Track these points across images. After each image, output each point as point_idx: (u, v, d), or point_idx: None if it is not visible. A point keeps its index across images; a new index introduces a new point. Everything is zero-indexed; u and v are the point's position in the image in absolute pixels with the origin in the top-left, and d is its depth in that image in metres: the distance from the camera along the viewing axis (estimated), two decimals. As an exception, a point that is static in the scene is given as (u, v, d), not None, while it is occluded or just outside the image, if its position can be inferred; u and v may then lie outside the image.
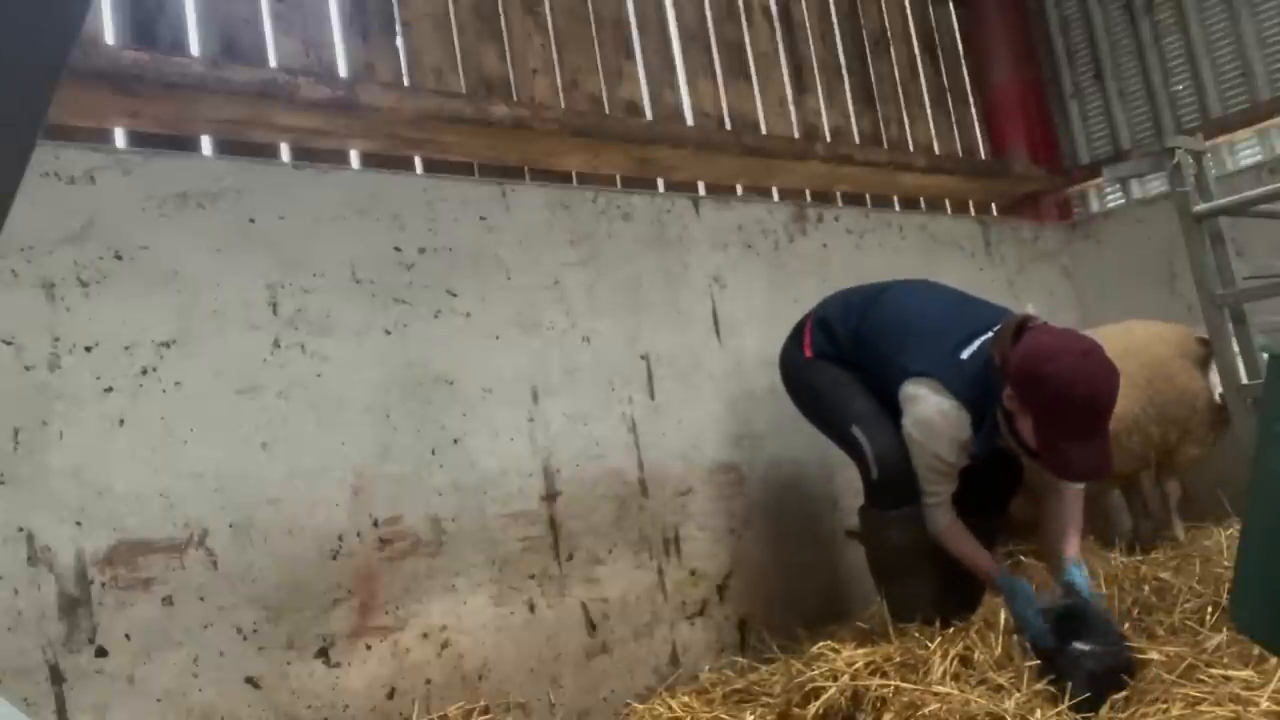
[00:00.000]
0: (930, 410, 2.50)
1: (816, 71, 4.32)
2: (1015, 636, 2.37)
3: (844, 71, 4.45)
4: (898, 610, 2.67)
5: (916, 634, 2.47)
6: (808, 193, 4.21)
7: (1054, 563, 2.67)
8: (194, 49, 2.61)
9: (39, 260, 2.09)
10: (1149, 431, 3.48)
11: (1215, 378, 3.27)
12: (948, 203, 4.83)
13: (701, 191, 3.76)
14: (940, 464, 2.55)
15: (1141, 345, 3.54)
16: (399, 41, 3.04)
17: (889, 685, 2.19)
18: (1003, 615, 2.45)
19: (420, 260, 2.66)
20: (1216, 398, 3.42)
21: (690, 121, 3.74)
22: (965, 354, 2.51)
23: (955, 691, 2.11)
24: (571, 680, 2.71)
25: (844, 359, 2.79)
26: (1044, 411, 2.30)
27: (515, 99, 3.24)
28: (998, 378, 2.41)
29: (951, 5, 5.08)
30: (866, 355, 2.72)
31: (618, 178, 3.54)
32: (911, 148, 4.62)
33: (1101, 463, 2.35)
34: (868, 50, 4.57)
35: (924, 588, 2.66)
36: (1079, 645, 2.19)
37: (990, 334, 2.51)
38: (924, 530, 2.66)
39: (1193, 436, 3.61)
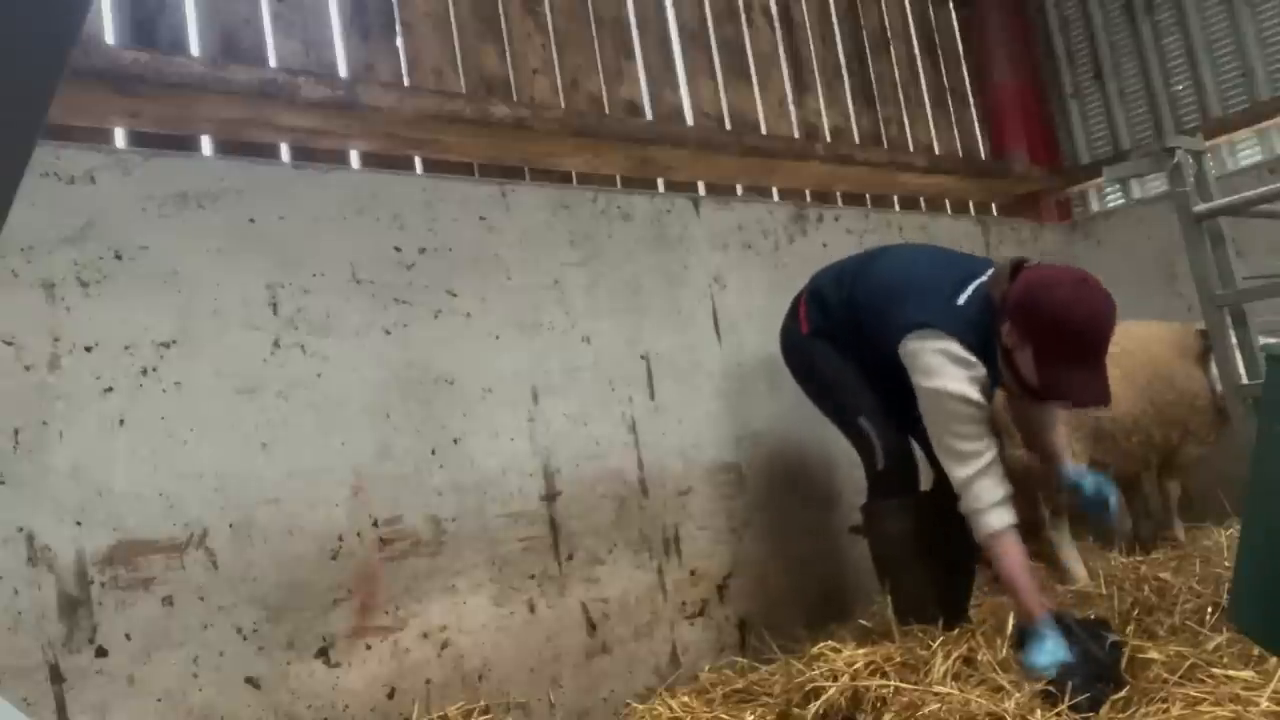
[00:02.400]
0: (939, 357, 2.46)
1: (816, 71, 4.32)
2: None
3: (844, 71, 4.45)
4: (902, 603, 2.66)
5: (920, 634, 2.47)
6: (808, 193, 4.21)
7: (1052, 467, 2.88)
8: (194, 49, 2.61)
9: (39, 260, 2.09)
10: (1151, 433, 3.48)
11: (1215, 372, 3.27)
12: (948, 203, 4.83)
13: (701, 191, 3.76)
14: (969, 407, 2.44)
15: (1141, 346, 3.54)
16: (399, 41, 3.04)
17: (889, 685, 2.19)
18: (1010, 619, 2.43)
19: (420, 260, 2.66)
20: (1217, 389, 3.42)
21: (690, 121, 3.74)
22: (961, 299, 2.50)
23: (955, 692, 2.11)
24: (571, 680, 2.71)
25: (839, 330, 2.78)
26: (1043, 338, 2.33)
27: (515, 99, 3.24)
28: (996, 317, 2.43)
29: (951, 5, 5.08)
30: (862, 318, 2.70)
31: (618, 178, 3.54)
32: (911, 148, 4.62)
33: (1102, 390, 2.35)
34: (868, 50, 4.57)
35: (927, 577, 2.67)
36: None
37: (984, 278, 2.52)
38: (924, 518, 2.65)
39: (1194, 436, 3.61)
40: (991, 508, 2.42)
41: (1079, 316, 2.31)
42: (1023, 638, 2.34)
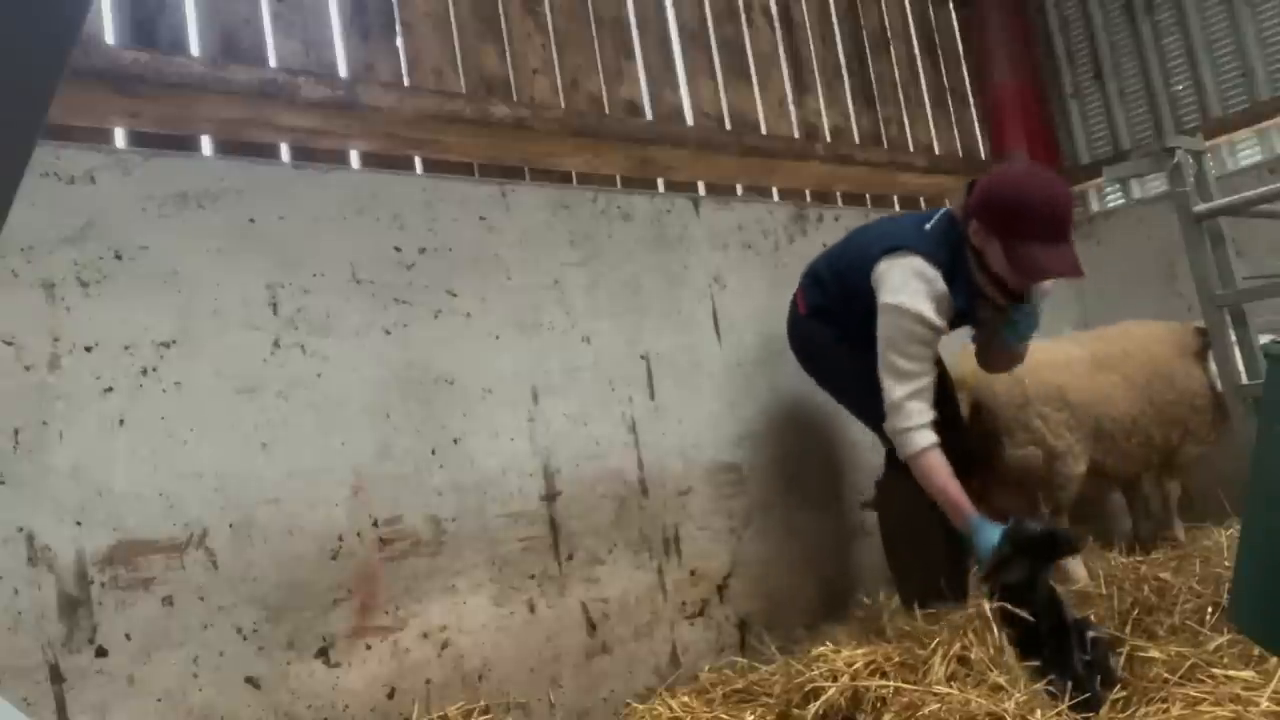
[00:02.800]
0: (904, 271, 2.60)
1: (816, 71, 4.31)
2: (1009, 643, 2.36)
3: (844, 71, 4.44)
4: (912, 577, 2.69)
5: (908, 627, 2.48)
6: (808, 193, 4.21)
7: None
8: (194, 49, 2.61)
9: (39, 260, 2.09)
10: (1150, 434, 3.48)
11: (1214, 370, 3.28)
12: (948, 202, 4.83)
13: (701, 191, 3.76)
14: (923, 328, 2.57)
15: (1140, 346, 3.55)
16: (399, 41, 3.03)
17: (889, 685, 2.19)
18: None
19: (420, 260, 2.66)
20: (1217, 389, 3.43)
21: (690, 121, 3.74)
22: (928, 226, 2.70)
23: (955, 691, 2.11)
24: (571, 680, 2.71)
25: (835, 305, 2.89)
26: (1008, 223, 2.48)
27: (515, 99, 3.23)
28: (962, 229, 2.61)
29: (951, 5, 5.08)
30: (849, 280, 2.81)
31: (618, 178, 3.54)
32: (911, 148, 4.62)
33: (1072, 261, 2.48)
34: (868, 50, 4.57)
35: (936, 551, 2.69)
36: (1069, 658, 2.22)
37: (946, 207, 2.75)
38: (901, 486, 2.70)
39: (1194, 436, 3.61)
40: (920, 427, 2.57)
41: (1034, 194, 2.47)
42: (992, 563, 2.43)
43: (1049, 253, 2.46)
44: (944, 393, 2.95)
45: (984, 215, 2.53)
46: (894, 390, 2.58)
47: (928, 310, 2.55)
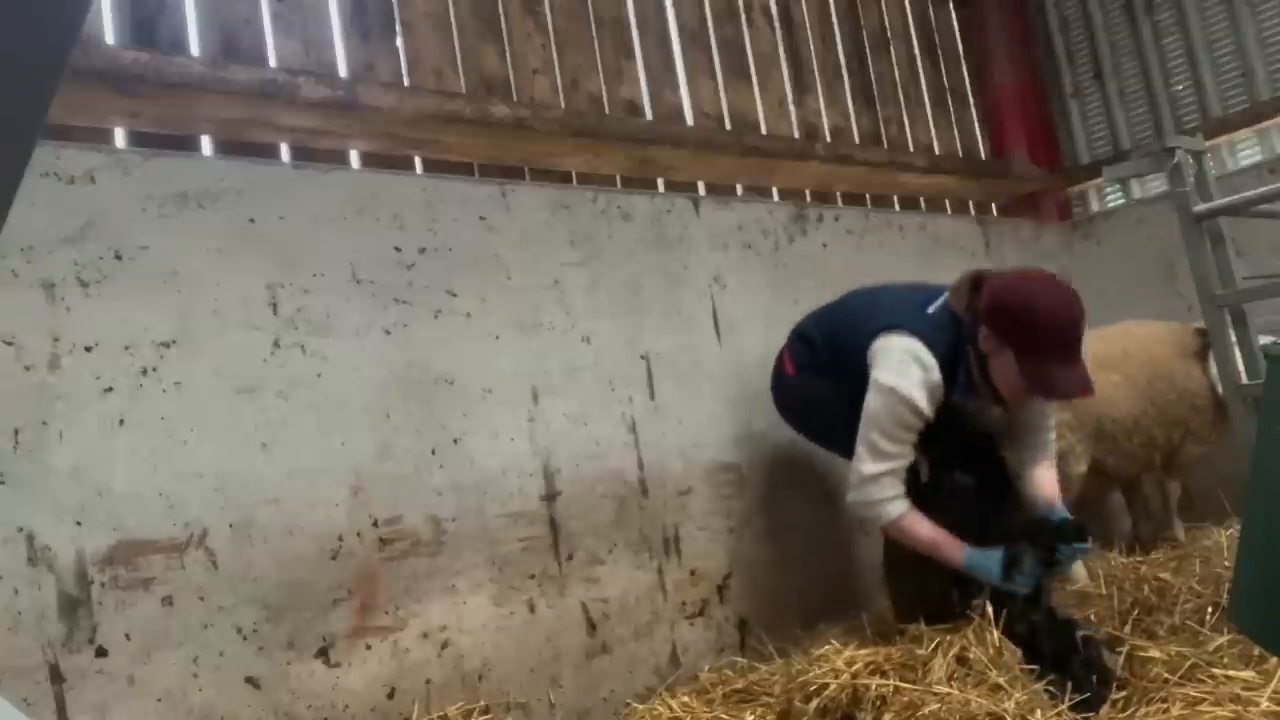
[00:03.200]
0: (903, 354, 2.55)
1: (816, 71, 4.32)
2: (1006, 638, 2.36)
3: (844, 71, 4.45)
4: (903, 605, 2.67)
5: (914, 632, 2.47)
6: (808, 193, 4.21)
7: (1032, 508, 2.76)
8: (194, 49, 2.61)
9: (39, 260, 2.09)
10: (1152, 434, 3.48)
11: (1214, 369, 3.27)
12: (948, 203, 4.83)
13: (701, 191, 3.76)
14: (912, 415, 2.53)
15: (1140, 346, 3.54)
16: (399, 41, 3.04)
17: (889, 685, 2.19)
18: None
19: (420, 260, 2.66)
20: (1217, 389, 3.42)
21: (690, 121, 3.74)
22: (930, 310, 2.63)
23: (955, 691, 2.11)
24: (571, 680, 2.71)
25: (824, 367, 2.84)
26: (1023, 338, 2.42)
27: (515, 99, 3.24)
28: (962, 327, 2.55)
29: (951, 5, 5.08)
30: (841, 346, 2.77)
31: (618, 178, 3.54)
32: (911, 148, 4.62)
33: (1084, 382, 2.46)
34: (868, 50, 4.57)
35: (936, 583, 2.68)
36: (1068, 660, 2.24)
37: (947, 295, 2.65)
38: (945, 519, 2.65)
39: (1195, 435, 3.61)
40: (895, 498, 2.57)
41: (1054, 313, 2.42)
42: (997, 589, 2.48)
43: (1064, 372, 2.42)
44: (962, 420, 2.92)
45: (998, 327, 2.46)
46: (868, 466, 2.57)
47: (920, 398, 2.52)
